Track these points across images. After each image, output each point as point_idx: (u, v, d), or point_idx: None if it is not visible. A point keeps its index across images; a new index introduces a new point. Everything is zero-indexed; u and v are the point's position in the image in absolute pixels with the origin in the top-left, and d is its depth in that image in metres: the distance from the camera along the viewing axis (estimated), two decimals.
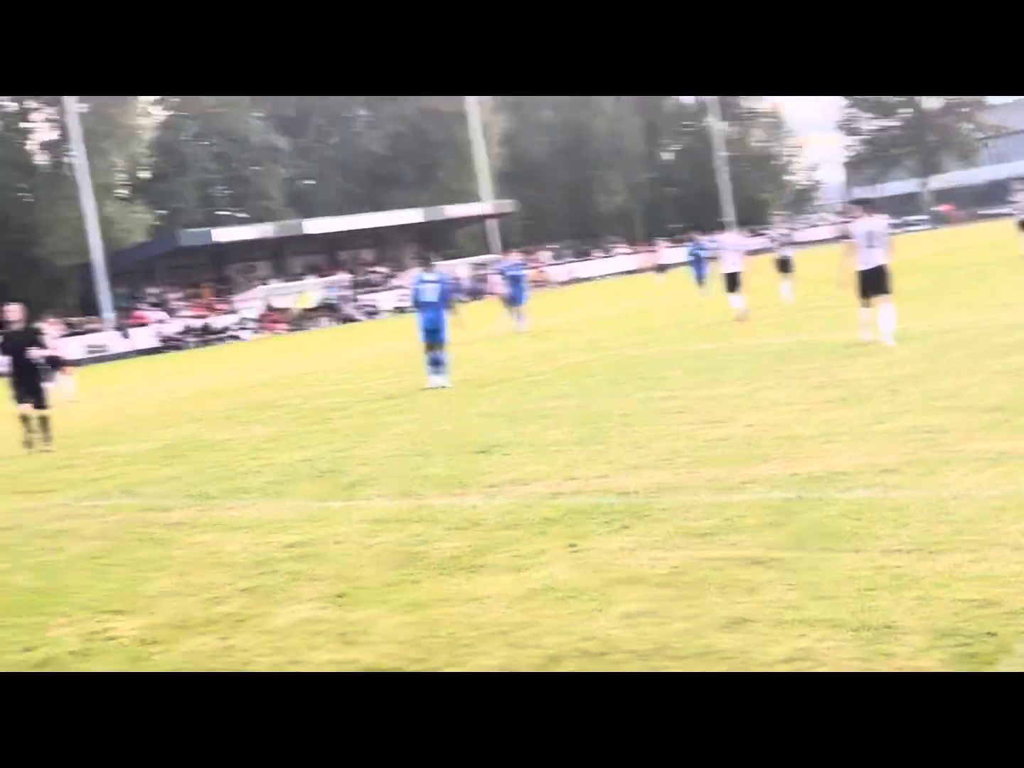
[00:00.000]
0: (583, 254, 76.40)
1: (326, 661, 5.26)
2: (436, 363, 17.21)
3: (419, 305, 17.56)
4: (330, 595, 6.41)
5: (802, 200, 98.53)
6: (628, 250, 79.68)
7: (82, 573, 7.76)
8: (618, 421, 11.25)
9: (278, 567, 7.20)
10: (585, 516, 7.41)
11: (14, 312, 16.01)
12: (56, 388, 21.43)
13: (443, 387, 16.78)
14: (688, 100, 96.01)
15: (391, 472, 10.12)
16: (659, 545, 6.46)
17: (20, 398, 15.84)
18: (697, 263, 30.00)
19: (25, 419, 15.96)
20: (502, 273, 29.76)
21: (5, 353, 15.84)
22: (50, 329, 20.43)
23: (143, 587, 7.17)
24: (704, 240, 30.68)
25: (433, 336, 17.26)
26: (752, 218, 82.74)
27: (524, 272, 29.56)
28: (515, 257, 34.24)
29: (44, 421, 16.00)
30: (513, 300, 27.77)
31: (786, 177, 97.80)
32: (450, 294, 17.94)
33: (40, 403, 15.98)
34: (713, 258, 27.71)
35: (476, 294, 65.27)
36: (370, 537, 7.68)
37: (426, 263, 20.94)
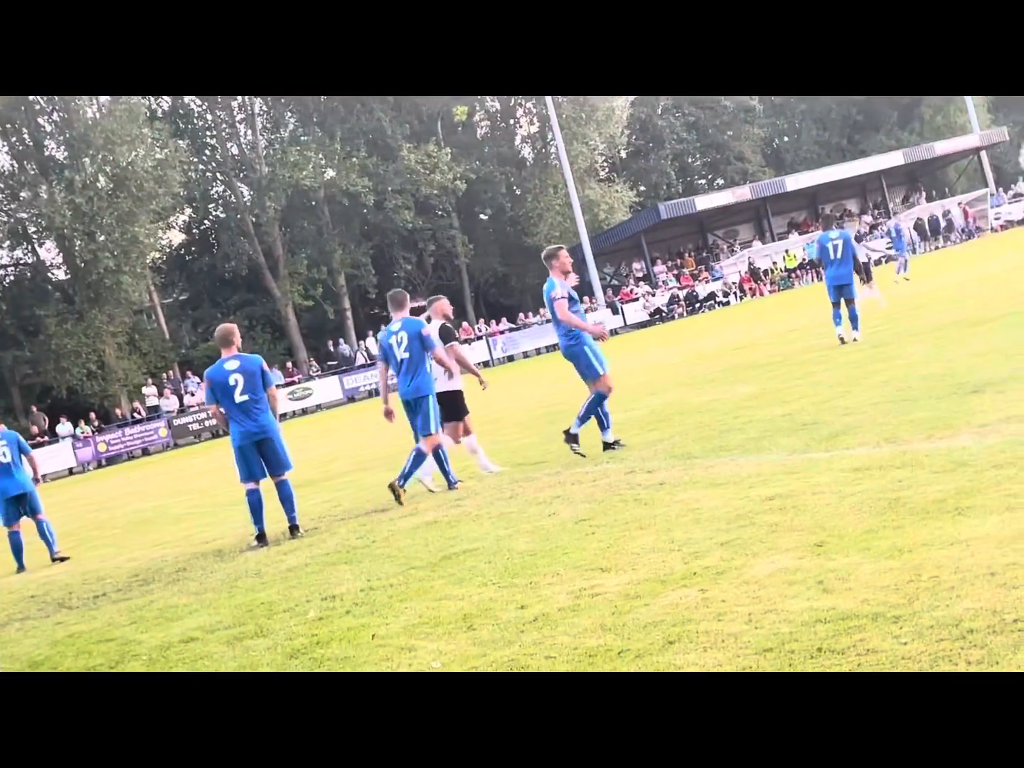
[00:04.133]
0: None
1: (803, 608, 5.14)
2: (852, 318, 17.74)
3: (826, 262, 18.40)
4: (809, 544, 6.26)
5: None
6: None
7: (572, 535, 8.05)
8: None
9: (756, 520, 7.13)
10: None
11: None
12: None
13: (854, 340, 17.27)
14: None
15: (874, 419, 9.74)
16: None
17: None
18: None
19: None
20: None
21: None
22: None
23: (627, 545, 7.33)
24: None
25: (842, 292, 17.94)
26: None
27: None
28: None
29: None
30: None
31: None
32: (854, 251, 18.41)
33: None
34: None
35: (969, 234, 61.75)
36: (850, 486, 7.43)
37: (828, 221, 21.87)
